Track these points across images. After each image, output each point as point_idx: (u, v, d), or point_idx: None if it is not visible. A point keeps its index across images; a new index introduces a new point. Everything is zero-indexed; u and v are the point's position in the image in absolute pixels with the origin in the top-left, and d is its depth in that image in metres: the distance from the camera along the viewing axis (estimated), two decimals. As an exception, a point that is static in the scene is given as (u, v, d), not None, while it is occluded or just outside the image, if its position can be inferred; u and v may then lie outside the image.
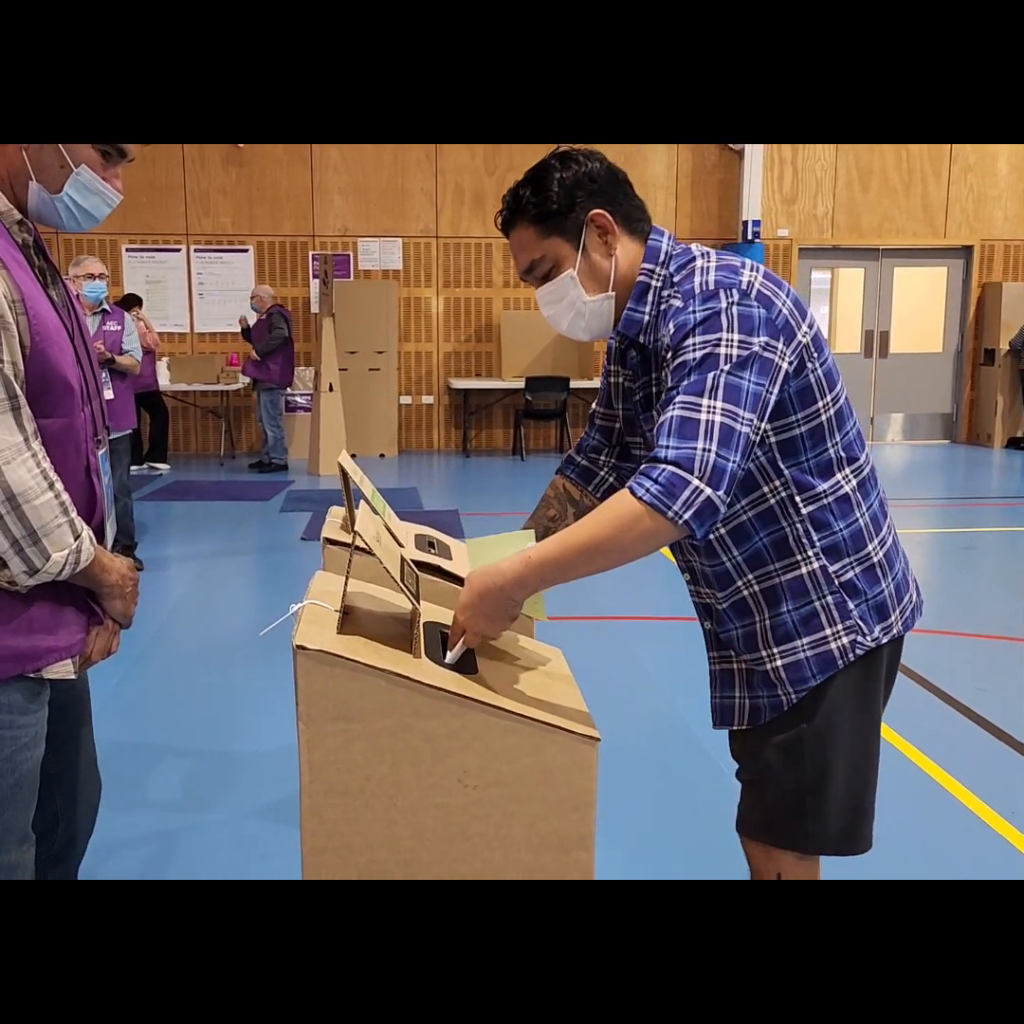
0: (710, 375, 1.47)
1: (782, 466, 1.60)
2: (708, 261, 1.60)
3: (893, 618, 1.67)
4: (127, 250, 10.66)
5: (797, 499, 1.61)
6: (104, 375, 5.57)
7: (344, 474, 2.23)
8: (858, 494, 1.65)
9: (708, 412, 1.45)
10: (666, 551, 1.62)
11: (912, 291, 11.92)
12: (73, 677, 1.66)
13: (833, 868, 1.79)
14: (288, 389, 10.16)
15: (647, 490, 1.43)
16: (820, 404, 1.60)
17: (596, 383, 10.83)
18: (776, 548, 1.63)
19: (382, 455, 10.68)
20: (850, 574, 1.63)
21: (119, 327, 5.69)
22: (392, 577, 1.51)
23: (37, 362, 1.51)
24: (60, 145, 1.57)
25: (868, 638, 1.64)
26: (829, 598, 1.63)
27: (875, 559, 1.66)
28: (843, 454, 1.64)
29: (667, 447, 1.45)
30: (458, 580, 2.13)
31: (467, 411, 11.16)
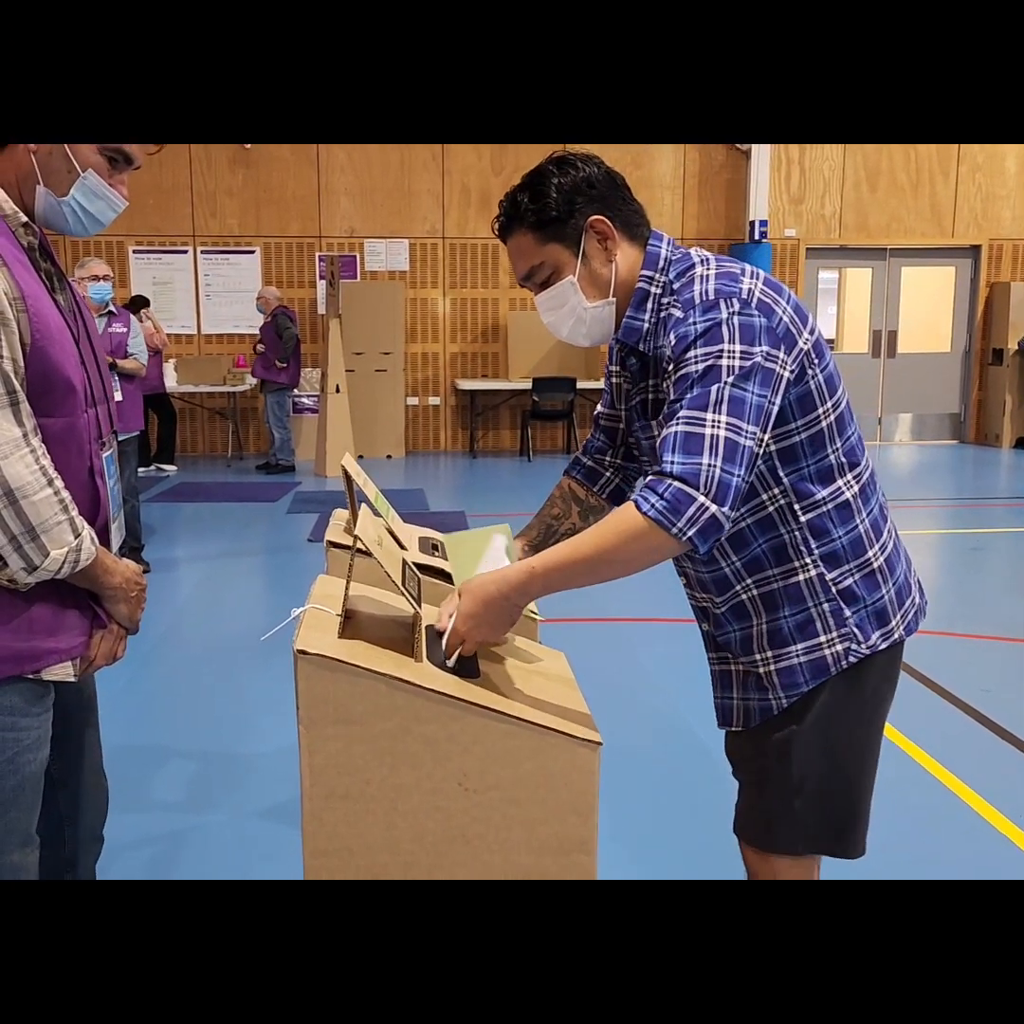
0: (714, 388, 1.46)
1: (781, 474, 1.60)
2: (708, 268, 1.59)
3: (894, 623, 1.66)
4: (134, 252, 10.68)
5: (796, 507, 1.61)
6: (113, 377, 5.58)
7: (347, 477, 2.23)
8: (858, 501, 1.64)
9: (713, 427, 1.45)
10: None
11: (920, 291, 11.90)
12: (73, 679, 1.66)
13: (837, 871, 1.78)
14: (296, 390, 10.18)
15: (652, 506, 1.43)
16: (820, 411, 1.59)
17: (602, 384, 10.86)
18: (775, 554, 1.63)
19: (389, 456, 10.69)
20: (849, 581, 1.63)
21: (125, 329, 5.70)
22: (392, 581, 1.51)
23: (38, 360, 1.52)
24: (68, 150, 1.58)
25: (863, 646, 1.63)
26: (825, 605, 1.63)
27: (875, 565, 1.65)
28: (844, 460, 1.63)
29: (672, 462, 1.44)
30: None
31: (474, 412, 11.16)
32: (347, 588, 1.57)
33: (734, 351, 1.48)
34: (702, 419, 1.45)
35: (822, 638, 1.63)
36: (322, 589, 1.75)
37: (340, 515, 2.37)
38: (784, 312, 1.55)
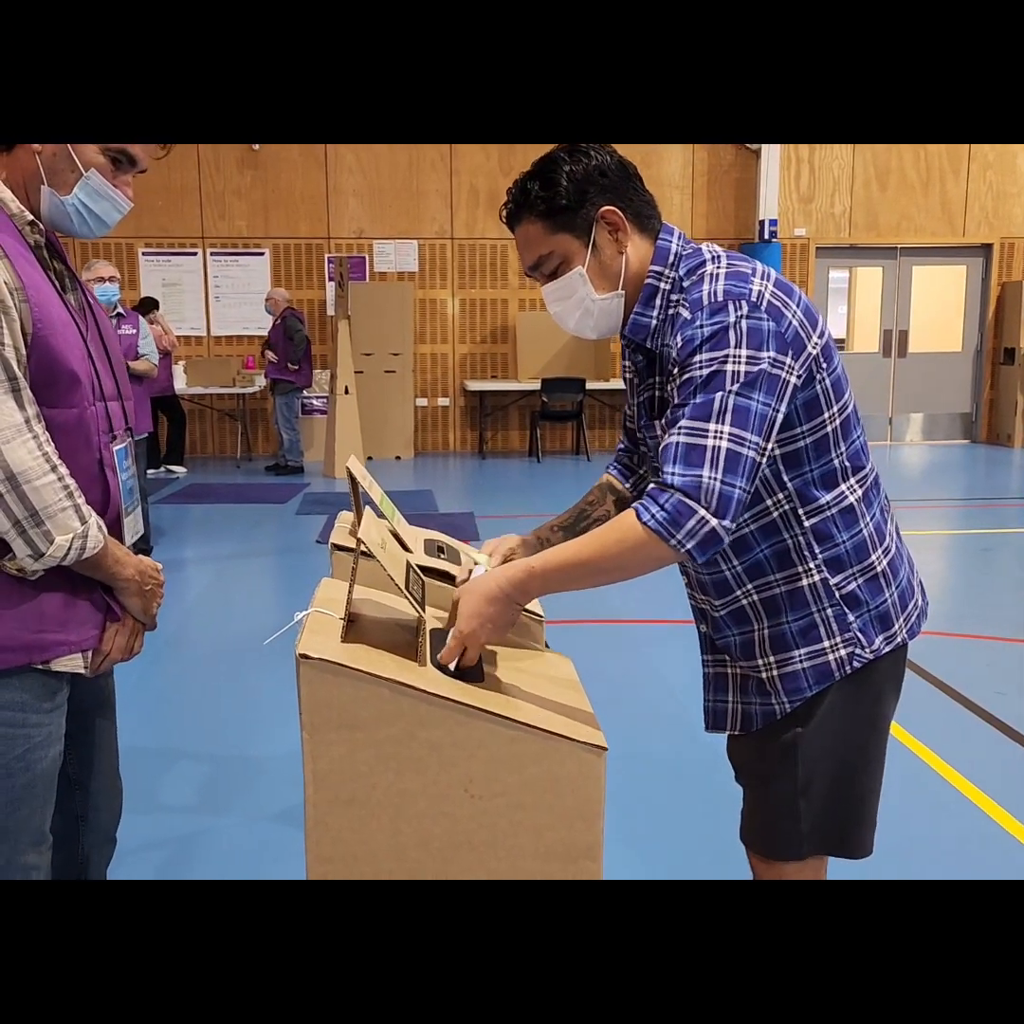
0: (717, 396, 1.44)
1: (786, 479, 1.58)
2: (718, 266, 1.56)
3: (897, 627, 1.65)
4: (143, 253, 10.70)
5: (800, 512, 1.59)
6: (124, 379, 5.58)
7: (352, 479, 2.22)
8: (862, 505, 1.62)
9: (715, 438, 1.43)
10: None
11: (931, 290, 11.85)
12: (83, 672, 1.66)
13: (846, 872, 1.76)
14: (305, 392, 10.18)
15: (652, 516, 1.43)
16: (826, 415, 1.57)
17: (612, 384, 10.85)
18: (777, 559, 1.61)
19: (398, 457, 10.69)
20: (853, 585, 1.61)
21: (134, 331, 5.70)
22: (395, 584, 1.50)
23: (40, 350, 1.53)
24: (71, 151, 1.59)
25: (867, 650, 1.61)
26: (829, 610, 1.61)
27: (878, 569, 1.63)
28: (848, 464, 1.60)
29: (673, 473, 1.44)
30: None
31: (483, 413, 11.15)
32: (350, 591, 1.55)
33: (740, 356, 1.46)
34: (704, 429, 1.44)
35: (826, 643, 1.61)
36: (326, 592, 1.74)
37: (345, 518, 2.36)
38: (794, 315, 1.52)
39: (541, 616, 2.07)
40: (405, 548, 2.21)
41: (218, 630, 5.05)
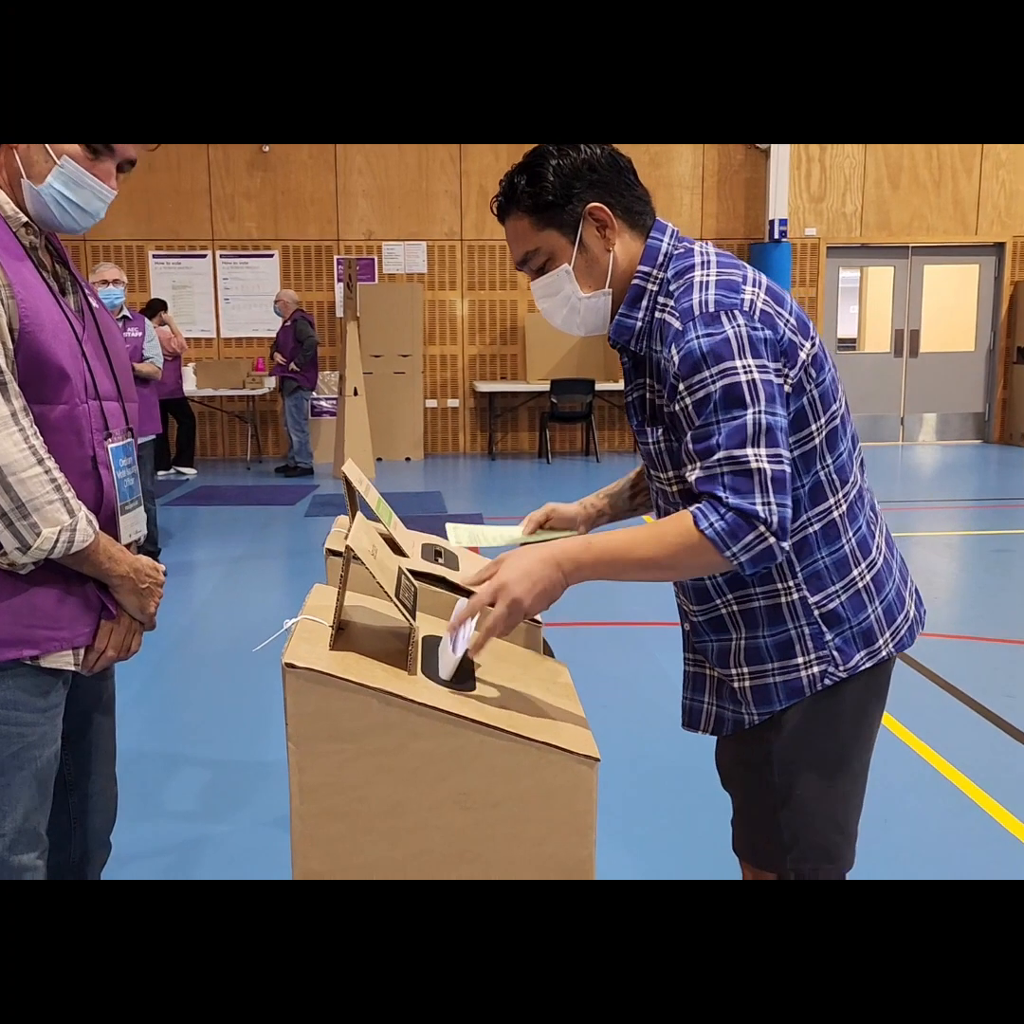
0: (749, 418, 1.41)
1: None
2: (708, 273, 1.51)
3: (880, 642, 1.60)
4: (154, 256, 10.72)
5: None
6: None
7: (348, 484, 2.20)
8: (845, 520, 1.57)
9: (757, 461, 1.41)
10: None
11: (943, 289, 11.77)
12: (74, 669, 1.66)
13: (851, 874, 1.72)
14: (314, 393, 10.18)
15: (711, 525, 1.42)
16: (813, 427, 1.52)
17: (621, 385, 10.80)
18: (758, 574, 1.57)
19: (408, 459, 10.67)
20: (834, 604, 1.57)
21: (139, 333, 5.70)
22: (384, 591, 1.47)
23: (28, 346, 1.55)
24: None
25: (841, 669, 1.56)
26: (806, 628, 1.57)
27: (860, 584, 1.58)
28: (835, 477, 1.56)
29: (727, 498, 1.41)
30: (462, 591, 2.09)
31: (492, 414, 11.13)
32: (339, 598, 1.53)
33: (749, 366, 1.42)
34: (744, 456, 1.41)
35: (799, 659, 1.57)
36: (317, 599, 1.71)
37: (342, 522, 2.34)
38: (786, 324, 1.48)
39: (539, 621, 2.04)
40: (401, 553, 2.19)
41: (224, 633, 5.04)
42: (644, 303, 1.57)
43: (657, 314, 1.55)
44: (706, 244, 1.60)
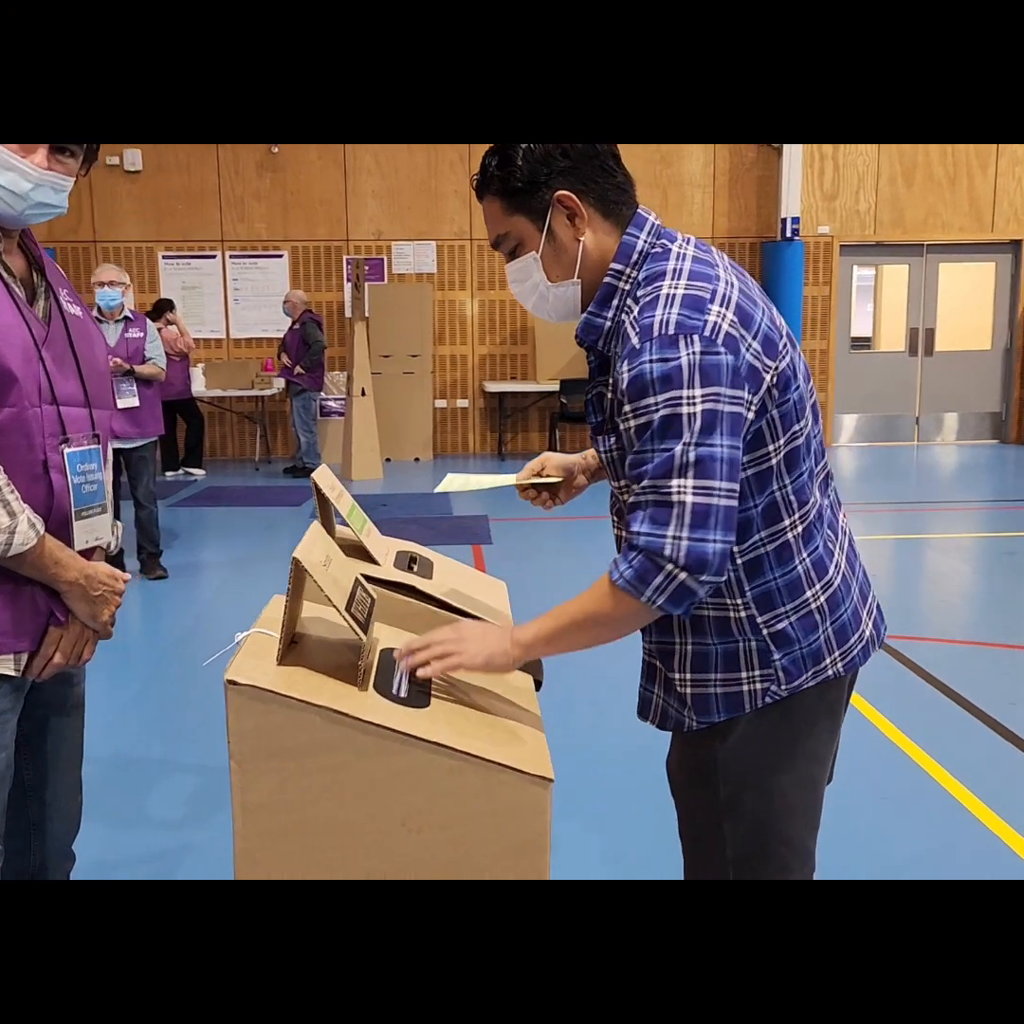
0: (679, 449, 1.37)
1: None
2: (676, 285, 1.44)
3: (828, 661, 1.55)
4: (163, 257, 10.72)
5: (734, 548, 1.49)
6: (129, 382, 5.56)
7: (319, 492, 2.15)
8: (799, 542, 1.52)
9: (679, 494, 1.38)
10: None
11: (958, 287, 11.64)
12: (13, 674, 1.64)
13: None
14: (323, 393, 10.16)
15: (621, 575, 1.42)
16: (770, 448, 1.47)
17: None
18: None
19: (417, 459, 10.64)
20: (783, 624, 1.52)
21: (141, 334, 5.68)
22: (334, 605, 1.43)
23: None
24: None
25: (783, 687, 1.52)
26: (753, 643, 1.52)
27: (813, 606, 1.53)
28: (792, 498, 1.51)
29: (639, 534, 1.41)
30: (433, 601, 2.04)
31: (502, 414, 11.08)
32: (288, 611, 1.48)
33: (695, 397, 1.37)
34: (667, 486, 1.39)
35: (743, 674, 1.53)
36: (274, 611, 1.67)
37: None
38: (749, 348, 1.42)
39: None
40: (372, 561, 2.15)
41: (226, 634, 5.00)
42: (615, 302, 1.52)
43: (622, 315, 1.50)
44: (687, 242, 1.53)
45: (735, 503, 1.40)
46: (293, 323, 9.67)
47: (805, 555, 1.52)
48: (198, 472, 9.96)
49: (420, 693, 1.50)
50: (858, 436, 11.62)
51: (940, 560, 6.30)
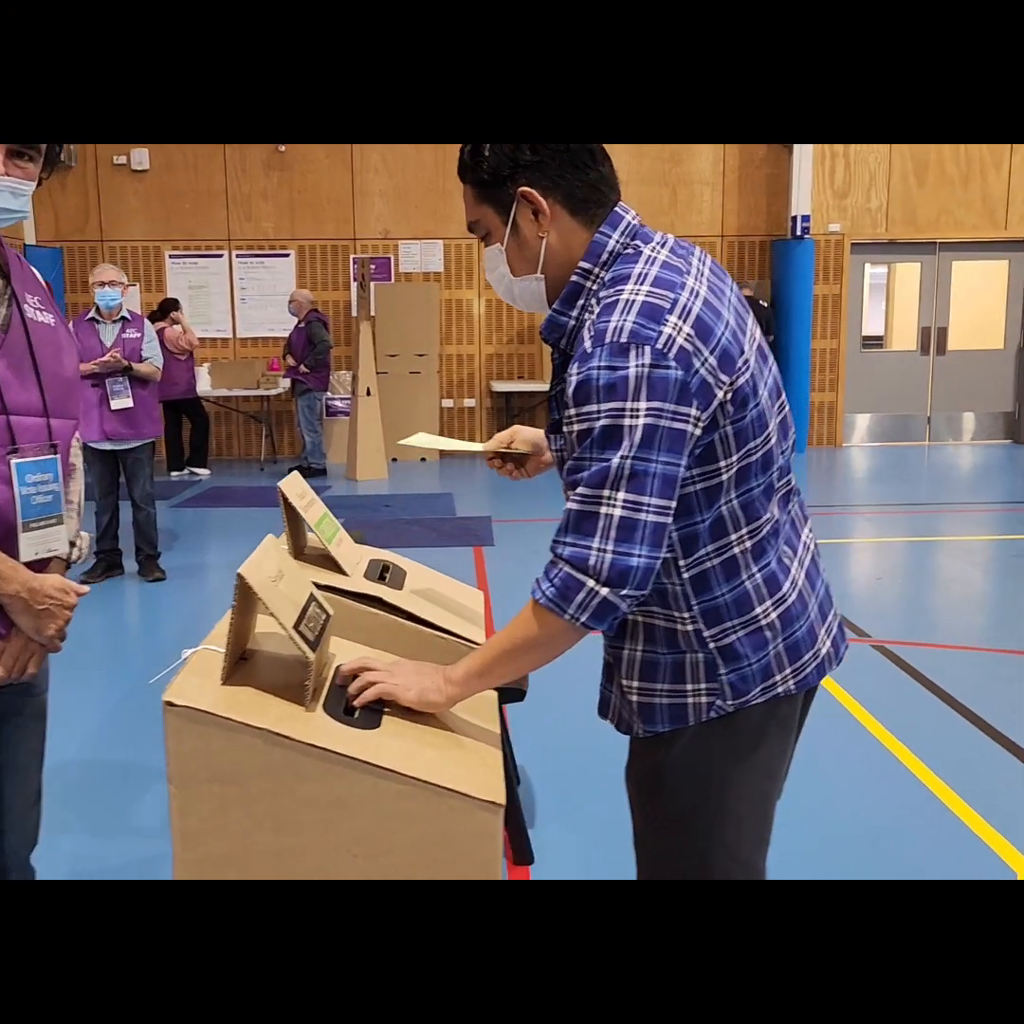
0: (614, 461, 1.35)
1: (672, 528, 1.44)
2: (638, 290, 1.39)
3: (777, 678, 1.50)
4: (170, 256, 10.71)
5: (680, 562, 1.46)
6: (123, 383, 5.54)
7: (285, 501, 2.11)
8: (748, 556, 1.48)
9: (608, 505, 1.36)
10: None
11: (971, 286, 11.52)
12: None
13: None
14: (328, 393, 10.12)
15: (543, 593, 1.40)
16: (722, 464, 1.42)
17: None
18: (658, 595, 1.49)
19: (423, 459, 10.60)
20: (731, 639, 1.48)
21: (138, 334, 5.65)
22: (280, 623, 1.38)
23: None
24: None
25: (728, 702, 1.48)
26: (700, 656, 1.49)
27: (763, 622, 1.49)
28: (740, 513, 1.46)
29: (564, 543, 1.39)
30: (401, 612, 2.00)
31: (510, 414, 11.02)
32: (232, 628, 1.43)
33: (638, 410, 1.34)
34: (598, 497, 1.36)
35: (688, 686, 1.49)
36: (227, 626, 1.62)
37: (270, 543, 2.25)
38: (704, 363, 1.37)
39: (479, 645, 1.94)
40: (341, 572, 2.10)
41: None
42: (580, 302, 1.49)
43: (586, 315, 1.47)
44: (662, 245, 1.48)
45: (666, 520, 1.38)
46: (299, 322, 9.64)
47: (755, 570, 1.48)
48: (203, 472, 9.95)
49: (372, 712, 1.45)
50: (869, 436, 11.52)
51: (948, 563, 6.22)
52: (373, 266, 10.59)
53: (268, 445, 10.84)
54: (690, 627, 1.48)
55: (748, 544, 1.47)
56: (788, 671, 1.51)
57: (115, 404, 5.48)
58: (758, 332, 1.52)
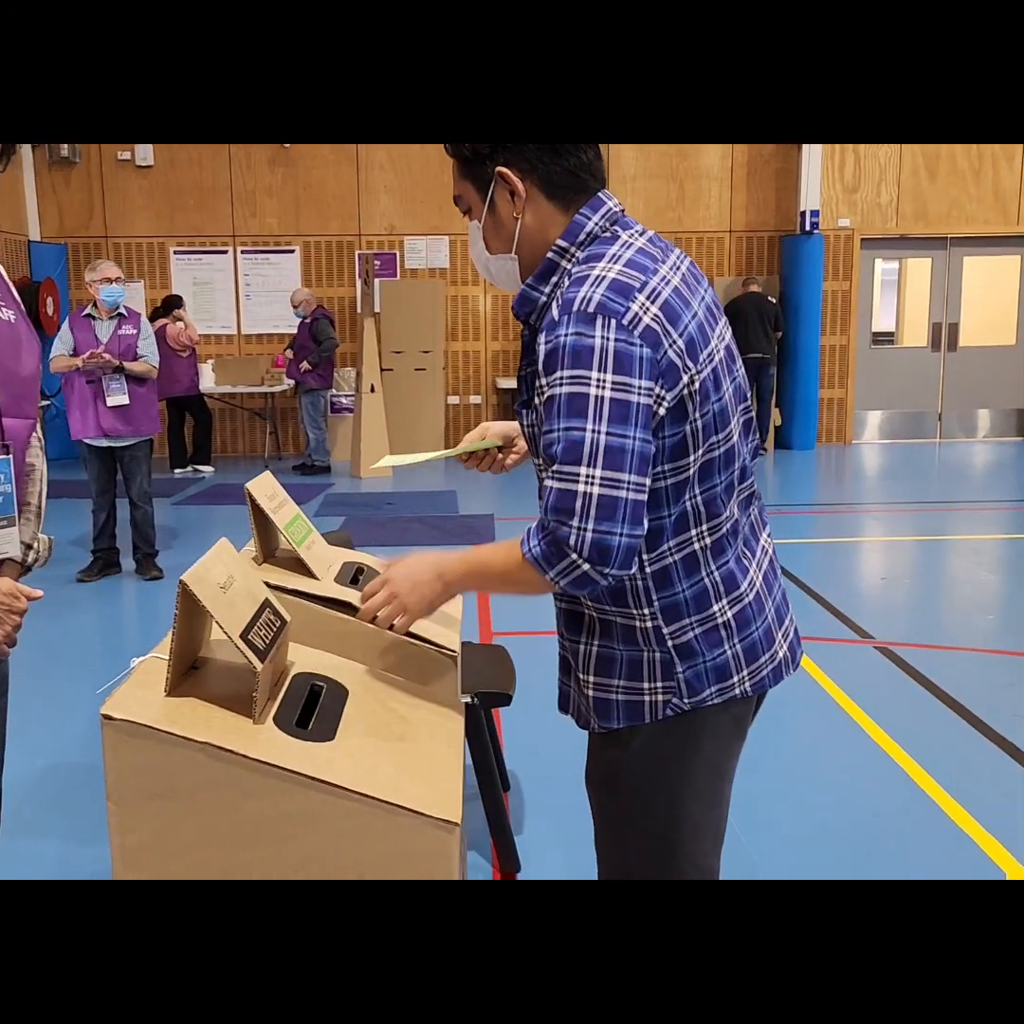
0: (589, 436, 1.33)
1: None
2: (609, 268, 1.39)
3: (735, 680, 1.49)
4: (175, 253, 10.68)
5: (644, 556, 1.44)
6: (119, 380, 5.49)
7: (254, 503, 2.05)
8: (708, 553, 1.47)
9: (586, 483, 1.34)
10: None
11: (983, 281, 11.39)
12: None
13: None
14: (332, 390, 10.08)
15: (530, 549, 1.40)
16: (690, 459, 1.43)
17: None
18: (612, 595, 1.48)
19: (428, 457, 10.54)
20: (688, 636, 1.47)
21: (135, 331, 5.61)
22: (225, 632, 1.32)
23: None
24: None
25: (685, 701, 1.48)
26: (658, 653, 1.48)
27: (720, 620, 1.48)
28: (702, 509, 1.46)
29: (548, 519, 1.38)
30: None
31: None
32: (175, 637, 1.38)
33: (604, 381, 1.33)
34: (575, 474, 1.35)
35: (645, 684, 1.48)
36: (182, 633, 1.56)
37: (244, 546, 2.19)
38: (672, 346, 1.37)
39: (454, 652, 1.88)
40: (311, 575, 2.04)
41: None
42: (554, 279, 1.48)
43: (557, 291, 1.46)
44: (641, 235, 1.47)
45: (644, 497, 1.36)
46: (305, 318, 9.58)
47: (714, 568, 1.48)
48: (207, 469, 9.91)
49: (327, 725, 1.39)
50: (880, 433, 11.41)
51: (956, 564, 6.13)
52: (378, 262, 10.53)
53: (272, 442, 10.80)
54: (650, 624, 1.47)
55: (708, 540, 1.47)
56: (745, 672, 1.50)
57: (111, 401, 5.44)
58: (729, 334, 1.53)
